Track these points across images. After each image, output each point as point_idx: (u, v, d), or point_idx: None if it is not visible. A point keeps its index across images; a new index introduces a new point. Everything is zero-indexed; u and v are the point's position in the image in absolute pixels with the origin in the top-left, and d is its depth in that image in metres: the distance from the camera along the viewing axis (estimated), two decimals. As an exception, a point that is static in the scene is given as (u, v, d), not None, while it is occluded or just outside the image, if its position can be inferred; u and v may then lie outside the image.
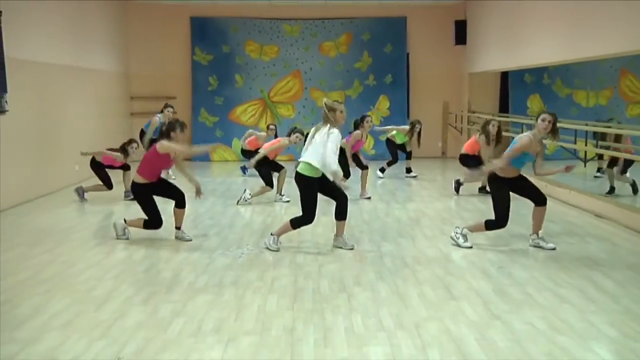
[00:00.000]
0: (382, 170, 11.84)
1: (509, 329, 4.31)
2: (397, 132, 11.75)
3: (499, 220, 6.33)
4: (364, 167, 9.82)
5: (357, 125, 9.67)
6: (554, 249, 6.42)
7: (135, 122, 14.04)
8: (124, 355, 3.89)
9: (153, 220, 6.79)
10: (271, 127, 11.46)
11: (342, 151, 11.06)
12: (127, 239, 6.87)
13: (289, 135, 9.05)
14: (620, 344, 4.09)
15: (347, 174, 9.48)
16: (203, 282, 5.41)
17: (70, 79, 11.04)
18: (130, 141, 9.48)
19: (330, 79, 15.13)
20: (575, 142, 9.35)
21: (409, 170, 11.97)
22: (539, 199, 6.50)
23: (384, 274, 5.64)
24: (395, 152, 11.78)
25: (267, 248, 6.45)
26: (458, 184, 9.86)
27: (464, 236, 6.57)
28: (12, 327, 4.39)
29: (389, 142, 11.87)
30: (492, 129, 9.73)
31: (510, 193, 6.35)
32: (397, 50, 15.07)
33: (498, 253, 6.35)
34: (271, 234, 6.56)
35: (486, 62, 13.43)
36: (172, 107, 11.32)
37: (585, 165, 9.51)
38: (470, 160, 9.75)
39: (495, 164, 6.37)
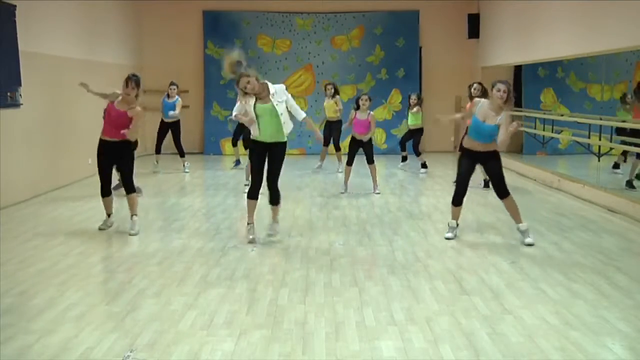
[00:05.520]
0: (424, 165, 11.70)
1: (521, 323, 4.30)
2: (411, 115, 11.63)
3: (455, 191, 6.59)
4: (370, 162, 9.66)
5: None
6: (531, 244, 6.30)
7: (148, 115, 14.03)
8: (136, 348, 3.93)
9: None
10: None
11: (332, 124, 11.42)
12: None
13: None
14: (634, 339, 4.07)
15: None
16: (215, 275, 5.44)
17: (83, 72, 11.04)
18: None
19: (343, 72, 15.09)
20: (589, 137, 9.29)
21: (424, 165, 11.76)
22: (499, 191, 6.42)
23: (396, 268, 5.64)
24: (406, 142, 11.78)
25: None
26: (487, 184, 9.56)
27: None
28: (27, 318, 4.44)
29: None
30: (474, 91, 9.36)
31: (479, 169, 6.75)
32: (410, 44, 15.00)
33: (510, 248, 6.33)
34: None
35: (499, 56, 13.34)
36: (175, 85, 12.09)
37: (599, 160, 9.44)
38: None
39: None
